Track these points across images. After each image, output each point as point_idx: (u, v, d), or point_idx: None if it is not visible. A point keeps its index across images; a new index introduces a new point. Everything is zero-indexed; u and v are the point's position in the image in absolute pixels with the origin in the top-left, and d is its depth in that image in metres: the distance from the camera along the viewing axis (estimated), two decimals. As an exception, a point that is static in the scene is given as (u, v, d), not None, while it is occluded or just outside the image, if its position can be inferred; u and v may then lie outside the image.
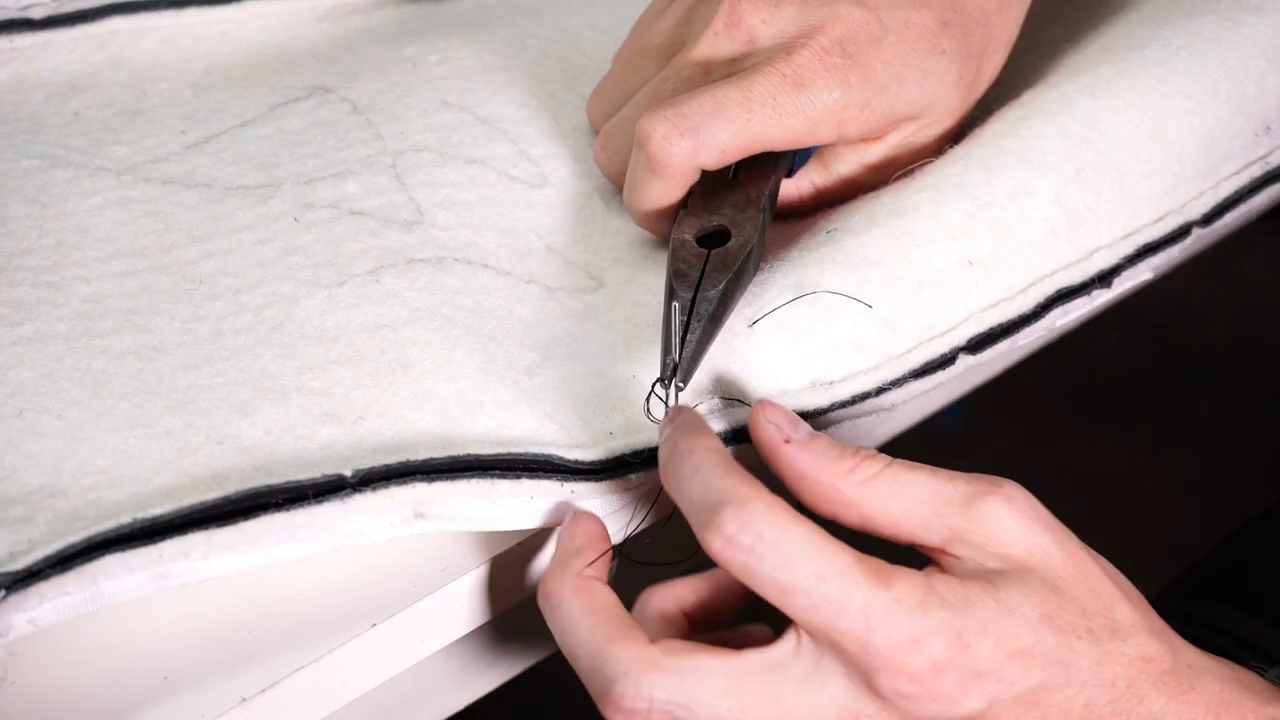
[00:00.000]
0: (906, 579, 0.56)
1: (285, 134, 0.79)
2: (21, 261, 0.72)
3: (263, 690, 0.58)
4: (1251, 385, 2.00)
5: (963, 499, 0.58)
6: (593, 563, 0.60)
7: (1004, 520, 0.58)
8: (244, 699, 0.58)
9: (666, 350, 0.64)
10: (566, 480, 0.63)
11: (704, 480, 0.57)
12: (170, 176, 0.77)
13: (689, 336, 0.64)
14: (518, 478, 0.62)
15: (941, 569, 0.59)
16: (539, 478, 0.63)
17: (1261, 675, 0.64)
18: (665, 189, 0.70)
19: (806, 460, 0.60)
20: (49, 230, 0.74)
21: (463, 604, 0.63)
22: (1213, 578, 0.94)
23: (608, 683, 0.56)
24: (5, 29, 0.83)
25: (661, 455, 0.60)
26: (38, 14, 0.84)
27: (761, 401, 0.61)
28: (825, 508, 0.60)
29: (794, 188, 0.76)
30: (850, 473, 0.59)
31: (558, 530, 0.63)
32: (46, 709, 0.58)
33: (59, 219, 0.74)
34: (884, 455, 0.60)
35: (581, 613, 0.58)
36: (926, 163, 0.73)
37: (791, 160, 0.74)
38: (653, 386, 0.64)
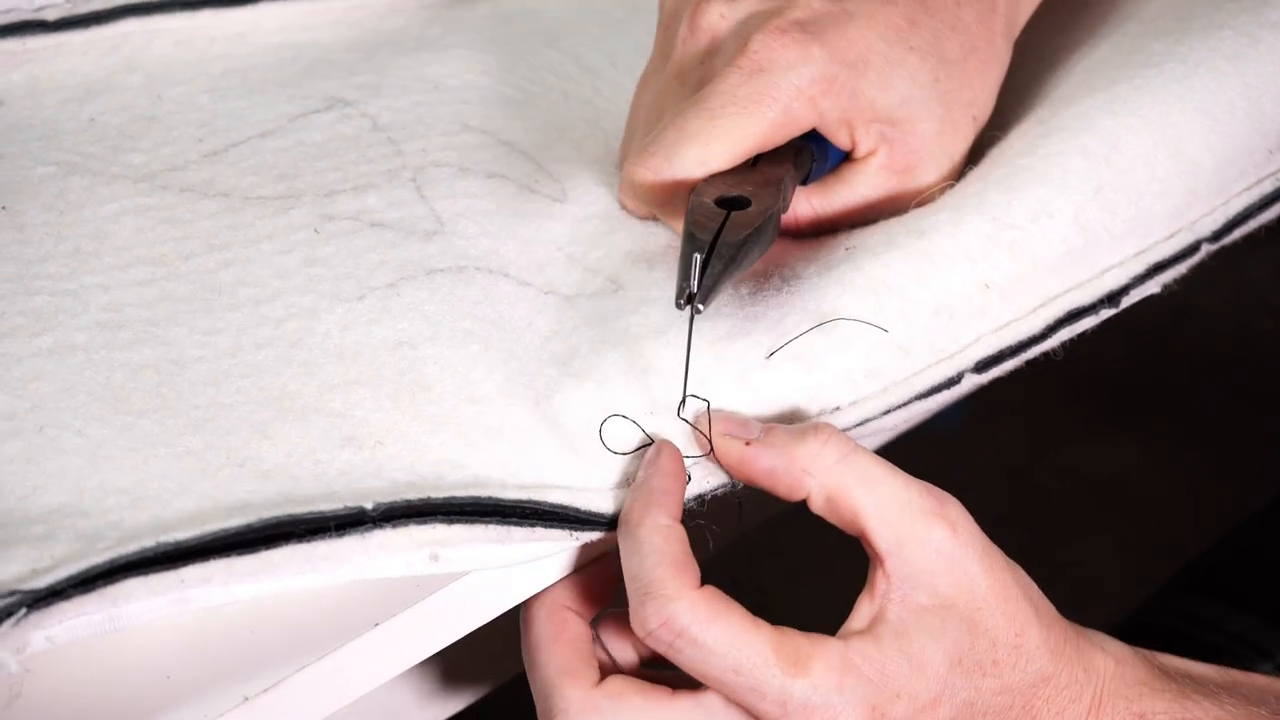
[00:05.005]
0: (824, 661, 0.60)
1: (305, 146, 0.79)
2: (40, 269, 0.72)
3: (265, 690, 0.58)
4: (1253, 385, 2.00)
5: (914, 514, 0.61)
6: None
7: (944, 545, 0.62)
8: (247, 698, 0.58)
9: (684, 277, 0.64)
10: (576, 530, 0.63)
11: (640, 562, 0.60)
12: (188, 185, 0.77)
13: (709, 270, 0.64)
14: (533, 526, 0.63)
15: (871, 590, 0.62)
16: (552, 526, 0.63)
17: (1252, 669, 0.67)
18: (674, 211, 0.72)
19: (771, 455, 0.63)
20: (66, 237, 0.73)
21: (465, 604, 0.63)
22: (1206, 576, 0.95)
23: (550, 712, 0.62)
24: (19, 31, 0.83)
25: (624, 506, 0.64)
26: (51, 16, 0.83)
27: (716, 419, 0.65)
28: (798, 494, 0.63)
29: (792, 210, 0.75)
30: (816, 457, 0.62)
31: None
32: (50, 708, 0.58)
33: (76, 226, 0.74)
34: (838, 434, 0.63)
35: (546, 639, 0.63)
36: (947, 186, 0.73)
37: (809, 162, 0.73)
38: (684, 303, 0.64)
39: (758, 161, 0.71)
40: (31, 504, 0.60)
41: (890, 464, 0.63)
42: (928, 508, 0.62)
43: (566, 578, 0.65)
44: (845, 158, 0.74)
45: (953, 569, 0.61)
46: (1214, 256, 0.78)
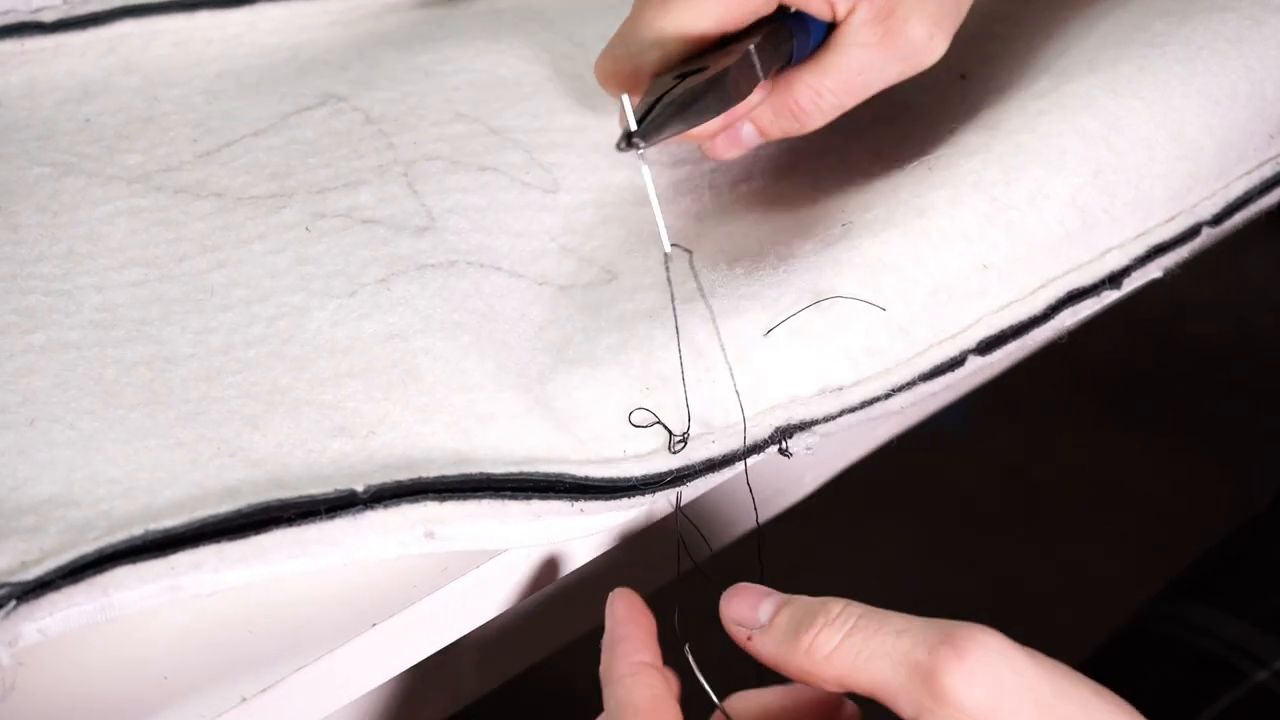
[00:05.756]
0: None
1: (297, 143, 0.79)
2: (33, 269, 0.72)
3: (263, 690, 0.58)
4: (1252, 384, 2.00)
5: (925, 674, 0.55)
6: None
7: (964, 703, 0.55)
8: (244, 699, 0.58)
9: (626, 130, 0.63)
10: (576, 499, 0.63)
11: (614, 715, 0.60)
12: (182, 185, 0.77)
13: (656, 112, 0.63)
14: (529, 498, 0.62)
15: None
16: (549, 498, 0.62)
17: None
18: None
19: (770, 649, 0.60)
20: (60, 238, 0.73)
21: (463, 604, 0.63)
22: (1202, 581, 0.94)
23: None
24: (16, 32, 0.83)
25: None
26: (48, 17, 0.83)
27: (725, 597, 0.62)
28: (807, 681, 0.60)
29: (790, 95, 0.73)
30: (810, 651, 0.58)
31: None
32: (47, 710, 0.58)
33: (70, 227, 0.74)
34: (844, 611, 0.59)
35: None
36: (942, 155, 0.73)
37: (788, 40, 0.72)
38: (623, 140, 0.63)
39: (726, 44, 0.71)
40: (22, 495, 0.60)
41: (894, 617, 0.58)
42: (938, 663, 0.55)
43: (632, 639, 0.63)
44: (830, 29, 0.73)
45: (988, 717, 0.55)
46: (1212, 253, 0.78)
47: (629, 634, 0.62)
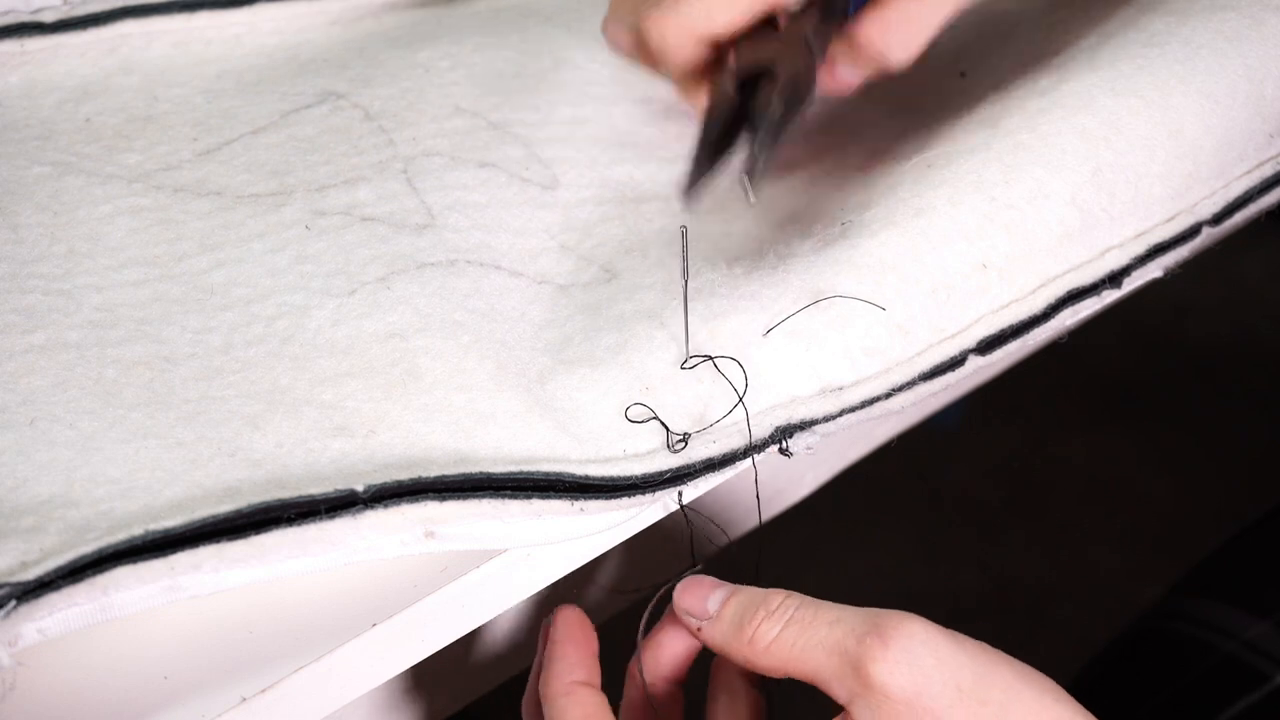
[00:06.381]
0: None
1: (297, 141, 0.79)
2: (33, 269, 0.71)
3: (263, 690, 0.58)
4: (1252, 385, 2.01)
5: (854, 662, 0.59)
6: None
7: (889, 689, 0.59)
8: (244, 699, 0.58)
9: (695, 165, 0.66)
10: (577, 498, 0.63)
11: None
12: (182, 184, 0.77)
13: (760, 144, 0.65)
14: (529, 498, 0.62)
15: None
16: (549, 497, 0.62)
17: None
18: (691, 64, 0.72)
19: (716, 639, 0.64)
20: (60, 238, 0.73)
21: (463, 604, 0.63)
22: (1218, 578, 0.94)
23: None
24: (16, 33, 0.83)
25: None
26: (49, 18, 0.84)
27: (679, 589, 0.66)
28: (752, 668, 0.63)
29: (868, 40, 0.72)
30: (751, 642, 0.62)
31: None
32: (47, 710, 0.58)
33: (70, 227, 0.74)
34: (783, 603, 0.62)
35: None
36: (942, 153, 0.73)
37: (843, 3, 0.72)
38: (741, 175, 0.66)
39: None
40: (21, 495, 0.60)
41: (829, 608, 0.61)
42: (864, 653, 0.59)
43: (566, 659, 0.66)
44: None
45: (910, 706, 0.59)
46: (1212, 254, 0.78)
47: (565, 653, 0.66)
